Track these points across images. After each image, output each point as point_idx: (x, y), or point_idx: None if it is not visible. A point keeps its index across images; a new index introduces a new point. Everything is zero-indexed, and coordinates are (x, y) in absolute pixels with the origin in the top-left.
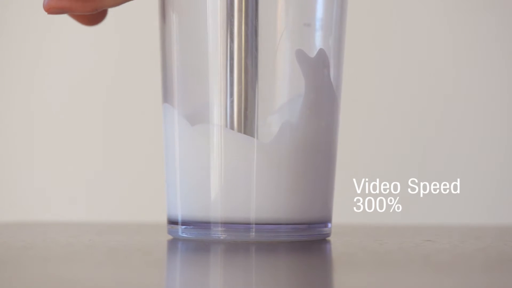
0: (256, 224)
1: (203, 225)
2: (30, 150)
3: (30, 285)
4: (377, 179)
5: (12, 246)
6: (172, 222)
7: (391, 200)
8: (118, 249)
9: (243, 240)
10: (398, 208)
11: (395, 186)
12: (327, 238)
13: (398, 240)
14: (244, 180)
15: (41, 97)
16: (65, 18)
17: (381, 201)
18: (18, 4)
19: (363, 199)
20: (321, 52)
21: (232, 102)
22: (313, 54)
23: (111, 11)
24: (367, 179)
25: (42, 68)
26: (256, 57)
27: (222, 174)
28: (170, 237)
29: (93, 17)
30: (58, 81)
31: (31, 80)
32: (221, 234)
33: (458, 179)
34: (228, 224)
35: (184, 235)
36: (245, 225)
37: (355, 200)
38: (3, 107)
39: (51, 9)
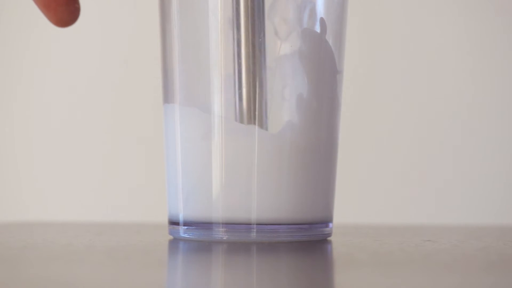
0: (257, 224)
1: (204, 225)
2: (30, 150)
3: (30, 285)
4: (378, 179)
5: (12, 246)
6: (173, 222)
7: (391, 200)
8: (118, 249)
9: (244, 240)
10: (399, 207)
11: (396, 186)
12: (328, 238)
13: (398, 240)
14: (245, 180)
15: (42, 97)
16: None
17: (382, 200)
18: (18, 4)
19: (364, 199)
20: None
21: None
22: (314, 53)
23: (111, 11)
24: (368, 179)
25: (42, 69)
26: (257, 58)
27: (223, 175)
28: (170, 237)
29: (65, 18)
30: (58, 82)
31: (31, 80)
32: (222, 235)
33: (458, 179)
34: (229, 225)
35: (185, 235)
36: (246, 225)
37: (355, 200)
38: (4, 107)
39: None
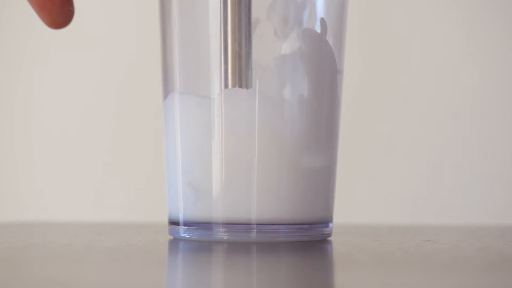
0: (257, 224)
1: (204, 225)
2: (30, 150)
3: (30, 285)
4: (378, 179)
5: (12, 246)
6: (173, 222)
7: (391, 200)
8: (118, 249)
9: (244, 240)
10: (399, 207)
11: (396, 186)
12: (328, 238)
13: (398, 240)
14: (245, 180)
15: (41, 97)
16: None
17: (382, 200)
18: (17, 4)
19: (364, 199)
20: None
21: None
22: (314, 53)
23: (111, 10)
24: (368, 179)
25: (41, 68)
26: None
27: (224, 175)
28: (170, 237)
29: (59, 20)
30: (57, 82)
31: (31, 81)
32: (222, 235)
33: (458, 179)
34: (229, 225)
35: (185, 235)
36: (246, 225)
37: (356, 200)
38: (4, 108)
39: None
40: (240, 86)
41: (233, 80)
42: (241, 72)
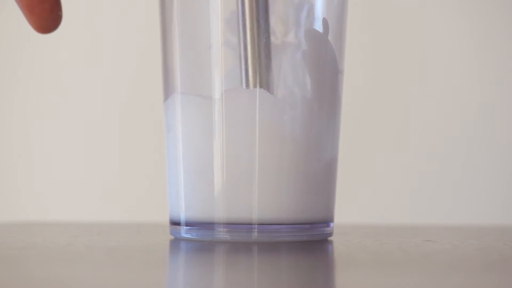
0: (258, 224)
1: (206, 225)
2: (30, 150)
3: (30, 285)
4: (379, 179)
5: (12, 246)
6: (175, 222)
7: (392, 200)
8: (119, 249)
9: (246, 240)
10: (399, 207)
11: (396, 186)
12: (329, 238)
13: (398, 240)
14: (247, 180)
15: (40, 96)
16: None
17: (382, 200)
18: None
19: (365, 199)
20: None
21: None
22: (317, 53)
23: (110, 11)
24: (368, 179)
25: (40, 68)
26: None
27: (225, 175)
28: (171, 237)
29: (47, 24)
30: (55, 82)
31: (29, 81)
32: (224, 235)
33: (458, 179)
34: (231, 225)
35: (187, 235)
36: (248, 225)
37: (356, 200)
38: (3, 107)
39: None
40: (261, 87)
41: (254, 81)
42: (261, 72)
